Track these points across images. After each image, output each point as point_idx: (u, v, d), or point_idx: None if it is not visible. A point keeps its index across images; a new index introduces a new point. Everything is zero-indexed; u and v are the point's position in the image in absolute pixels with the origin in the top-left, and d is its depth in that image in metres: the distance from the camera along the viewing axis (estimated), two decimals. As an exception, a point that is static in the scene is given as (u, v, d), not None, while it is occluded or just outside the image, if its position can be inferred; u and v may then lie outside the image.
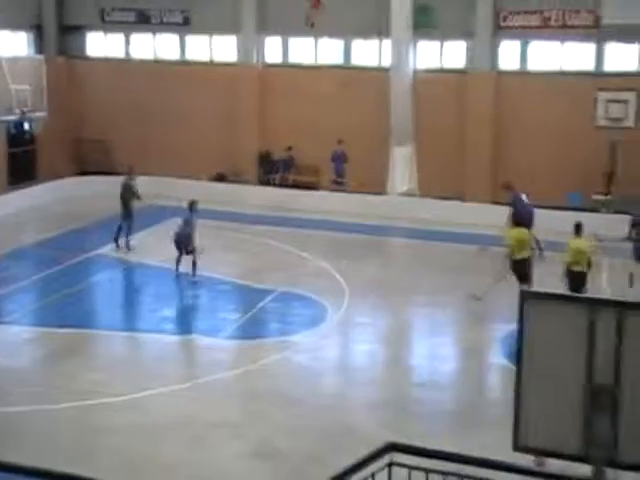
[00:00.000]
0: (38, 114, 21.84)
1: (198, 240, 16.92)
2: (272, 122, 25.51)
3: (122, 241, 19.05)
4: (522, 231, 15.01)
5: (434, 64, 24.21)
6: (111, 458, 9.78)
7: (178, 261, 16.94)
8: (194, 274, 16.76)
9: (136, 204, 19.32)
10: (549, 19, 22.61)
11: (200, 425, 10.89)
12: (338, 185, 23.98)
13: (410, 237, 21.12)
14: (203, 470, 9.73)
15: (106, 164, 26.72)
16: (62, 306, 15.59)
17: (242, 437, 10.59)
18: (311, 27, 24.96)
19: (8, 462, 5.31)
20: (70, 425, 10.97)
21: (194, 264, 16.77)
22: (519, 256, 14.62)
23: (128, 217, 19.15)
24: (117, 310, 16.01)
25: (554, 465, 5.80)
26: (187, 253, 16.91)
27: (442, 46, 24.15)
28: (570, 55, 23.02)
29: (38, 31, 26.95)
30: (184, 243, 16.92)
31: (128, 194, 19.29)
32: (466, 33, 23.49)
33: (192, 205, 17.26)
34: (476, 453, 5.84)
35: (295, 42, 25.67)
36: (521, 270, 14.54)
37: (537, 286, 13.73)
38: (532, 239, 15.65)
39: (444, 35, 23.82)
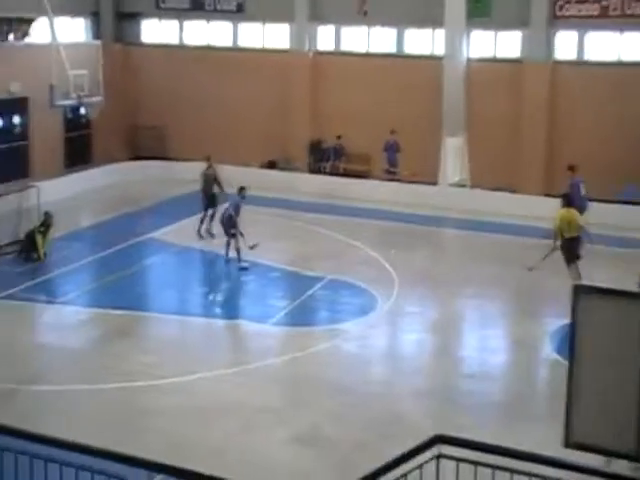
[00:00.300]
0: (94, 99, 22.17)
1: (240, 229, 17.02)
2: (323, 110, 25.52)
3: (203, 229, 19.08)
4: (571, 211, 15.00)
5: (488, 54, 23.92)
6: (157, 440, 9.91)
7: (228, 245, 17.09)
8: (239, 259, 16.87)
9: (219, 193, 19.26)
10: (608, 8, 22.13)
11: (247, 410, 11.00)
12: (391, 175, 23.91)
13: (461, 228, 20.97)
14: (249, 455, 9.82)
15: (159, 149, 27.10)
16: (115, 288, 15.89)
17: (289, 423, 10.67)
18: (364, 15, 24.87)
19: (57, 438, 5.45)
20: (119, 406, 11.18)
21: (238, 250, 16.87)
22: (568, 235, 14.66)
23: (211, 206, 19.13)
24: (168, 293, 16.24)
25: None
26: (229, 237, 17.00)
27: (496, 36, 23.84)
28: (629, 45, 22.50)
29: (95, 18, 27.36)
30: (226, 226, 17.06)
31: (209, 184, 19.29)
32: (521, 22, 23.14)
33: (241, 190, 17.36)
34: (525, 448, 5.79)
35: (347, 31, 25.60)
36: (570, 249, 14.63)
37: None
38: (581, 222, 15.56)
39: (499, 24, 23.50)
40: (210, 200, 19.22)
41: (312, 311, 15.28)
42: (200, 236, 19.06)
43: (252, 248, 16.94)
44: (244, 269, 16.80)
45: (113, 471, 5.36)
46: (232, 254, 17.09)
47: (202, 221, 19.19)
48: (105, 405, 11.14)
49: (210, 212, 19.08)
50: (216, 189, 19.31)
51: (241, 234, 17.00)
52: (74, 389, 11.51)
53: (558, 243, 14.79)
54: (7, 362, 12.33)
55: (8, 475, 5.56)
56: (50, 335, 14.03)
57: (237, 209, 17.17)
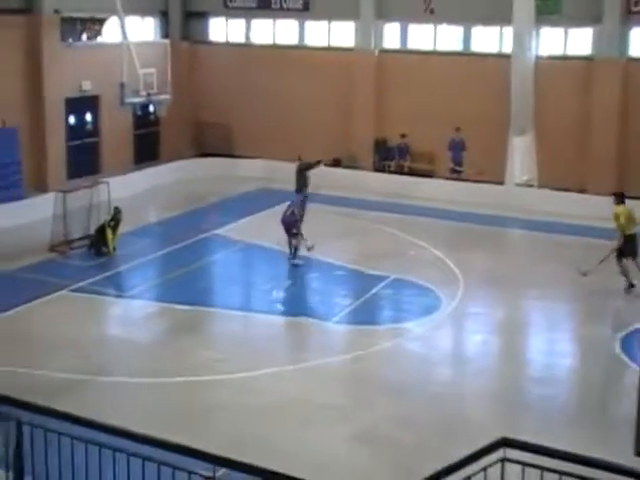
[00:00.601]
0: (163, 97, 22.55)
1: (301, 228, 17.10)
2: (388, 108, 25.42)
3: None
4: (628, 207, 15.28)
5: (558, 51, 23.46)
6: (220, 434, 10.02)
7: (290, 244, 17.18)
8: (294, 256, 17.00)
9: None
10: (686, 2, 21.48)
11: (309, 407, 11.03)
12: (456, 174, 23.67)
13: (528, 228, 20.62)
14: (310, 451, 9.83)
15: (225, 147, 27.42)
16: (181, 283, 16.14)
17: (350, 421, 10.65)
18: (430, 13, 24.68)
19: (126, 429, 5.55)
20: (183, 399, 11.35)
21: (295, 248, 16.99)
22: (629, 231, 14.89)
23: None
24: (232, 289, 16.42)
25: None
26: (290, 236, 17.04)
27: (567, 32, 23.36)
28: None
29: (164, 17, 27.82)
30: (286, 225, 17.06)
31: (300, 183, 19.13)
32: (593, 19, 22.62)
33: (301, 189, 17.41)
34: (594, 455, 5.64)
35: (414, 28, 25.43)
36: (632, 245, 14.91)
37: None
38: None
39: (569, 21, 23.02)
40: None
41: (375, 310, 15.24)
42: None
43: (310, 250, 17.08)
44: (296, 265, 16.93)
45: (178, 463, 5.44)
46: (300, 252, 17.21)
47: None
48: (170, 398, 11.32)
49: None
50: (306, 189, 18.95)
51: (300, 234, 17.08)
52: (139, 382, 11.72)
53: (620, 242, 15.00)
54: (76, 353, 12.65)
55: (78, 464, 5.69)
56: (117, 328, 14.36)
57: (300, 208, 17.23)
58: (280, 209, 21.45)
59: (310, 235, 18.35)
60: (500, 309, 15.29)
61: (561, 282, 16.30)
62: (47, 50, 22.71)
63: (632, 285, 15.42)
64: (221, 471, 5.49)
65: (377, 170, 25.32)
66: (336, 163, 25.98)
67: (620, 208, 15.36)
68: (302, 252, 17.24)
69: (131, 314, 14.96)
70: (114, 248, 17.78)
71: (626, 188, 22.02)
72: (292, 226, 17.05)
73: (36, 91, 22.70)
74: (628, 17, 22.28)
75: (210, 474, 5.34)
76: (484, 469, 5.87)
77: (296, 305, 15.49)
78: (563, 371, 12.87)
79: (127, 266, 17.26)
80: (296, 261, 17.06)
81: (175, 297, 15.22)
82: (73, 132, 24.28)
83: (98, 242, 17.77)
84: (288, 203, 17.62)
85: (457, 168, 23.65)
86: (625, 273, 15.44)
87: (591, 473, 5.47)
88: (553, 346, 13.93)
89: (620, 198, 15.67)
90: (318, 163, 19.64)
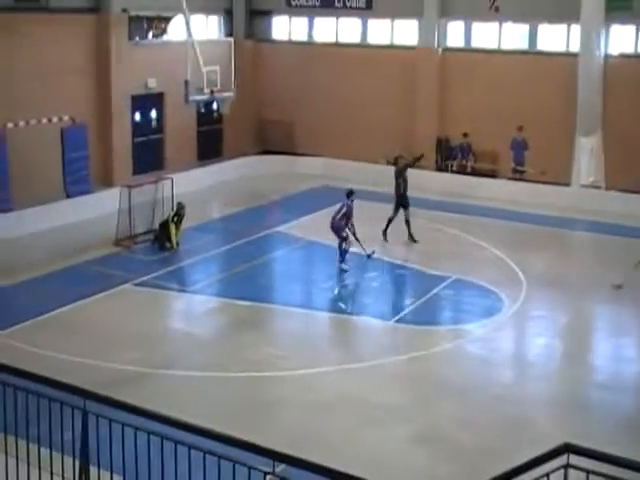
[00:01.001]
0: (226, 94, 22.74)
1: (351, 231, 16.75)
2: (451, 107, 25.18)
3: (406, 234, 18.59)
4: None
5: (628, 49, 22.86)
6: (279, 430, 10.08)
7: (339, 247, 16.68)
8: (343, 259, 16.59)
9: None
10: None
11: (368, 406, 11.01)
12: (518, 174, 23.32)
13: (593, 231, 20.19)
14: (366, 452, 9.81)
15: (287, 144, 27.55)
16: (243, 279, 16.29)
17: (408, 422, 10.60)
18: (495, 11, 24.34)
19: (188, 422, 5.62)
20: (244, 394, 11.45)
21: (343, 252, 16.62)
22: None
23: (403, 206, 18.52)
24: (293, 286, 16.48)
25: None
26: (340, 239, 16.67)
27: (638, 30, 22.75)
28: None
29: (228, 15, 28.09)
30: (335, 229, 16.71)
31: (403, 186, 18.65)
32: (666, 16, 22.01)
33: (349, 194, 16.96)
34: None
35: (478, 27, 25.13)
36: None
37: None
38: None
39: (640, 18, 22.44)
40: (400, 200, 18.57)
41: (436, 310, 15.12)
42: (385, 239, 18.59)
43: (370, 256, 16.94)
44: (344, 271, 16.57)
45: (238, 457, 5.49)
46: (367, 250, 17.06)
47: (389, 222, 18.67)
48: (231, 393, 11.44)
49: (401, 213, 18.57)
50: (402, 187, 18.59)
51: (357, 240, 16.83)
52: (201, 375, 11.88)
53: None
54: (139, 346, 12.88)
55: (141, 455, 5.79)
56: (180, 322, 14.57)
57: (347, 212, 16.76)
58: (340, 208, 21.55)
59: (373, 235, 18.37)
60: (563, 312, 15.01)
61: (629, 286, 15.89)
62: (115, 48, 23.17)
63: None
64: (281, 467, 5.51)
65: (439, 169, 25.12)
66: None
67: None
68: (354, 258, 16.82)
69: (193, 309, 15.16)
70: (177, 243, 18.04)
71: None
72: (342, 230, 16.71)
73: (104, 89, 23.18)
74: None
75: (269, 470, 5.37)
76: (547, 475, 5.77)
77: (356, 304, 15.48)
78: (628, 377, 12.55)
79: (190, 261, 17.51)
80: (343, 266, 16.65)
81: (237, 293, 15.36)
82: (138, 129, 24.72)
83: (162, 237, 18.05)
84: (339, 205, 17.09)
85: (519, 168, 23.28)
86: None
87: (658, 483, 5.33)
88: (619, 352, 13.62)
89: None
90: (419, 158, 19.58)
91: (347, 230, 16.74)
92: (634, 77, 22.36)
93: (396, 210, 18.58)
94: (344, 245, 16.73)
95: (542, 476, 5.76)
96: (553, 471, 5.75)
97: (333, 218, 16.85)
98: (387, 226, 18.66)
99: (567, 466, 5.70)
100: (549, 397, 11.53)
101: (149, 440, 5.71)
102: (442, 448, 9.96)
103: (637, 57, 22.74)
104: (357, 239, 16.86)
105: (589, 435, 9.61)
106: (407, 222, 18.52)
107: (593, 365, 13.01)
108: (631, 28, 22.78)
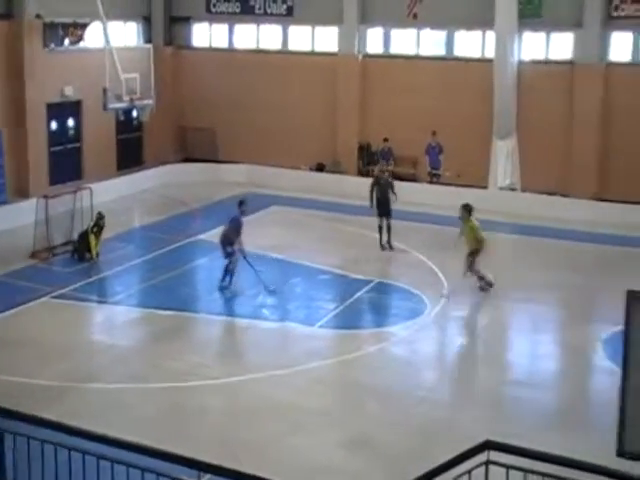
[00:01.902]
0: (146, 102, 22.49)
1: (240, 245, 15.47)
2: (372, 113, 25.49)
3: (384, 240, 18.70)
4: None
5: (540, 56, 23.62)
6: (204, 440, 10.01)
7: (225, 270, 15.67)
8: (223, 279, 15.59)
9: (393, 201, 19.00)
10: (665, 8, 21.67)
11: (295, 412, 11.03)
12: (434, 177, 23.73)
13: (510, 232, 20.73)
14: (297, 456, 9.85)
15: (209, 152, 27.38)
16: (165, 289, 16.09)
17: (337, 426, 10.67)
18: (413, 18, 24.78)
19: (109, 436, 5.54)
20: (167, 405, 11.33)
21: (228, 271, 15.53)
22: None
23: (385, 215, 18.73)
24: (216, 295, 16.33)
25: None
26: (225, 256, 15.57)
27: (548, 37, 23.54)
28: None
29: (147, 22, 27.77)
30: (222, 244, 15.61)
31: (385, 193, 18.84)
32: (574, 23, 22.80)
33: (240, 205, 15.83)
34: (577, 457, 5.69)
35: (397, 33, 25.53)
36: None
37: None
38: None
39: (551, 26, 23.20)
40: (384, 208, 18.74)
41: (360, 314, 15.26)
42: (382, 247, 18.62)
43: (270, 292, 15.56)
44: (224, 289, 15.66)
45: (163, 469, 5.43)
46: (234, 277, 15.64)
47: (380, 229, 18.76)
48: (156, 404, 11.29)
49: (385, 222, 18.64)
50: (392, 197, 18.87)
51: (248, 263, 15.51)
52: (125, 387, 11.69)
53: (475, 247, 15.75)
54: (60, 360, 12.58)
55: (62, 471, 5.67)
56: (102, 334, 14.28)
57: (236, 226, 15.51)
58: (263, 214, 21.60)
59: (295, 239, 18.43)
60: (484, 313, 15.37)
61: (544, 285, 16.40)
62: (29, 55, 22.61)
63: (491, 284, 15.79)
64: (206, 477, 5.48)
65: (361, 174, 25.38)
66: (320, 168, 26.04)
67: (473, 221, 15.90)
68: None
69: (115, 320, 14.89)
70: (97, 254, 17.70)
71: (607, 191, 22.39)
72: (228, 245, 15.45)
73: (18, 96, 22.58)
74: (608, 22, 22.47)
75: (193, 480, 5.33)
76: (469, 472, 5.91)
77: (281, 310, 15.46)
78: (547, 375, 12.95)
79: (110, 272, 17.20)
80: (226, 284, 15.66)
81: (159, 303, 15.18)
82: (55, 137, 24.17)
83: (81, 248, 17.69)
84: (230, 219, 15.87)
85: (435, 172, 23.68)
86: (480, 275, 15.79)
87: (574, 474, 5.52)
88: (537, 349, 14.02)
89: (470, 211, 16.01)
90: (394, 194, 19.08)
91: (236, 247, 15.39)
92: (546, 82, 23.09)
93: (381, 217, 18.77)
94: (229, 263, 15.54)
95: (465, 473, 5.90)
96: (474, 468, 5.90)
97: (224, 230, 15.91)
98: (380, 235, 18.73)
99: (487, 462, 5.86)
100: (471, 396, 11.79)
101: (70, 456, 5.60)
102: (369, 452, 10.05)
103: (548, 63, 23.50)
104: (233, 251, 15.50)
105: (509, 432, 9.85)
106: (388, 229, 18.73)
107: (512, 364, 13.35)
108: (542, 35, 23.53)
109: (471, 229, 15.93)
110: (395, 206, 18.98)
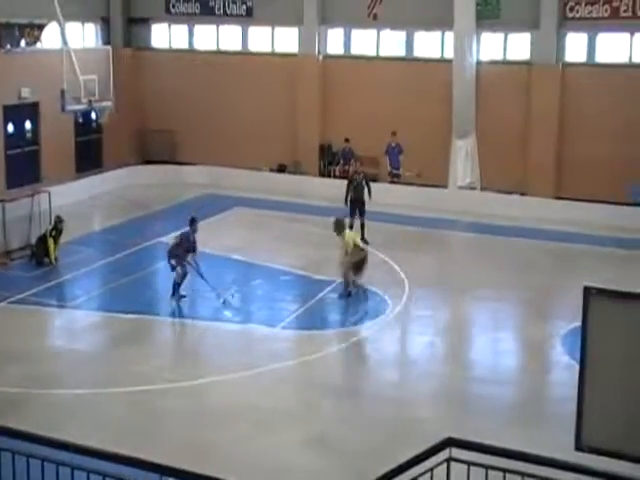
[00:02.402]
0: (105, 104, 22.22)
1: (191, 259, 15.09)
2: (333, 113, 25.55)
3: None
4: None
5: (498, 56, 23.88)
6: (169, 443, 9.94)
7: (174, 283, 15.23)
8: (173, 293, 15.19)
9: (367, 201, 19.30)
10: (618, 9, 22.05)
11: (258, 414, 11.01)
12: (395, 177, 23.86)
13: (471, 231, 20.95)
14: (261, 458, 9.83)
15: (169, 154, 27.20)
16: (126, 292, 15.93)
17: (300, 427, 10.67)
18: (373, 19, 24.89)
19: (70, 442, 5.48)
20: (131, 409, 11.22)
21: (176, 285, 15.12)
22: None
23: (360, 214, 19.14)
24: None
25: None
26: (172, 269, 15.15)
27: (506, 38, 23.81)
28: (640, 47, 22.44)
29: (105, 23, 27.49)
30: (167, 257, 15.23)
31: (359, 193, 19.21)
32: (531, 24, 23.09)
33: (192, 222, 15.36)
34: (537, 451, 5.77)
35: (357, 34, 25.62)
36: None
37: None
38: None
39: (508, 27, 23.47)
40: (357, 207, 19.12)
41: (322, 314, 15.25)
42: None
43: (224, 303, 15.08)
44: (177, 299, 15.19)
45: (126, 475, 5.39)
46: (224, 295, 15.24)
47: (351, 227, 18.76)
48: (117, 409, 11.18)
49: (358, 220, 18.94)
50: (366, 196, 19.24)
51: (202, 278, 15.14)
52: (86, 393, 11.55)
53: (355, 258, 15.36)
54: (19, 366, 12.37)
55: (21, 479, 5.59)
56: (62, 339, 14.10)
57: (181, 242, 15.10)
58: (225, 215, 21.54)
59: (256, 240, 18.38)
60: (445, 311, 15.49)
61: (505, 283, 16.58)
62: (-17, 56, 22.26)
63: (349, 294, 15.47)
64: (169, 480, 5.45)
65: (322, 175, 25.41)
66: (281, 169, 26.01)
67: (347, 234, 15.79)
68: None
69: (75, 325, 14.71)
70: (56, 258, 17.46)
71: (564, 190, 22.75)
72: (172, 258, 15.07)
73: (-28, 99, 22.23)
74: (564, 23, 22.81)
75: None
76: (431, 469, 5.96)
77: (242, 312, 15.39)
78: (507, 371, 13.10)
79: (69, 276, 16.98)
80: (176, 299, 15.20)
81: (120, 306, 15.02)
82: (12, 140, 23.78)
83: (39, 252, 17.44)
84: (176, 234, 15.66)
85: (395, 172, 23.80)
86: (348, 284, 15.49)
87: (534, 469, 5.60)
88: (498, 346, 14.17)
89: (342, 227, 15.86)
90: (369, 194, 19.49)
91: (183, 262, 15.00)
92: (504, 82, 23.36)
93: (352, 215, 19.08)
94: (175, 276, 15.13)
95: (427, 470, 5.95)
96: (436, 465, 5.95)
97: (171, 243, 15.56)
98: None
99: (449, 460, 5.91)
100: (434, 394, 11.86)
101: (28, 464, 5.53)
102: (334, 451, 10.06)
103: (505, 63, 23.77)
104: (202, 276, 15.17)
105: (471, 429, 9.95)
106: (362, 226, 19.06)
107: (473, 361, 13.47)
108: (500, 36, 23.79)
109: (347, 243, 15.46)
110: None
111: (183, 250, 15.11)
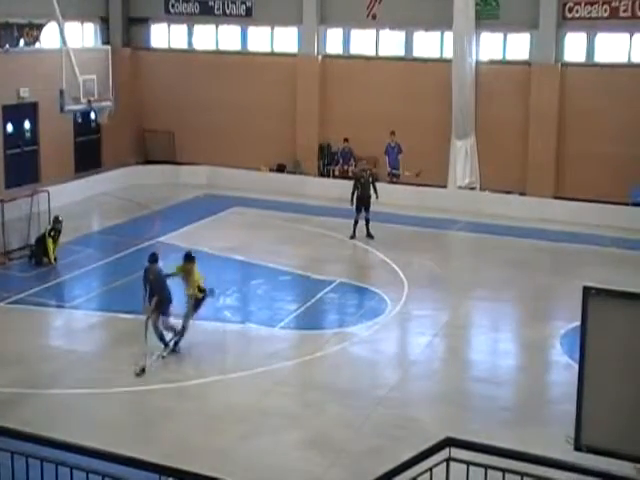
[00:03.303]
0: (104, 104, 22.19)
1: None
2: (332, 113, 25.53)
3: (357, 231, 19.47)
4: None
5: (497, 56, 23.88)
6: (167, 443, 9.95)
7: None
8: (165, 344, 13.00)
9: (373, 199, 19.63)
10: (617, 9, 22.05)
11: (257, 414, 11.01)
12: (394, 177, 23.85)
13: (470, 231, 20.93)
14: (260, 458, 9.83)
15: (168, 154, 27.18)
16: (124, 292, 15.90)
17: (299, 427, 10.66)
18: (372, 19, 24.89)
19: (68, 441, 5.47)
20: (128, 409, 11.25)
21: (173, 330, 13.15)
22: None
23: (366, 210, 19.50)
24: (176, 297, 16.18)
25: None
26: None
27: (505, 38, 23.79)
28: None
29: (105, 23, 27.46)
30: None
31: (366, 191, 19.54)
32: (530, 25, 23.09)
33: (151, 258, 13.35)
34: (536, 451, 5.76)
35: (356, 34, 25.61)
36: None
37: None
38: None
39: (507, 27, 23.47)
40: (364, 204, 19.48)
41: (321, 314, 15.26)
42: (353, 236, 19.47)
43: (138, 375, 12.05)
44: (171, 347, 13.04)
45: (124, 474, 5.38)
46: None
47: (355, 223, 19.59)
48: (116, 408, 11.19)
49: (364, 216, 19.43)
50: (372, 195, 19.60)
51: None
52: (85, 392, 11.54)
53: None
54: (19, 366, 12.38)
55: (19, 478, 5.58)
56: (61, 339, 14.09)
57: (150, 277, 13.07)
58: (224, 215, 21.52)
59: (256, 240, 18.38)
60: (445, 311, 15.46)
61: (505, 283, 16.58)
62: (-18, 56, 22.24)
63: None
64: (168, 480, 5.44)
65: (321, 175, 25.41)
66: (280, 169, 26.00)
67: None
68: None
69: (74, 325, 14.69)
70: (55, 258, 17.45)
71: (563, 190, 22.76)
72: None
73: (-29, 98, 22.22)
74: (563, 23, 22.80)
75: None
76: (430, 469, 5.95)
77: (242, 312, 15.42)
78: (507, 371, 13.07)
79: (68, 276, 16.97)
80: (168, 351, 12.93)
81: (118, 306, 15.00)
82: (11, 140, 23.76)
83: (38, 252, 17.43)
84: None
85: (394, 172, 23.80)
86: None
87: (533, 469, 5.59)
88: (497, 347, 14.17)
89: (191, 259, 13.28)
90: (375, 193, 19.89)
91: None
92: (503, 82, 23.36)
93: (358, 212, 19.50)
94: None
95: (426, 470, 5.94)
96: (436, 465, 5.94)
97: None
98: (354, 228, 19.46)
99: (449, 459, 5.90)
100: (433, 395, 11.86)
101: (27, 464, 5.52)
102: (333, 452, 10.05)
103: (505, 63, 23.76)
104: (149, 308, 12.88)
105: (470, 429, 9.95)
106: (367, 222, 19.56)
107: (472, 361, 13.47)
108: (499, 36, 23.79)
109: (194, 279, 13.16)
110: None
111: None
